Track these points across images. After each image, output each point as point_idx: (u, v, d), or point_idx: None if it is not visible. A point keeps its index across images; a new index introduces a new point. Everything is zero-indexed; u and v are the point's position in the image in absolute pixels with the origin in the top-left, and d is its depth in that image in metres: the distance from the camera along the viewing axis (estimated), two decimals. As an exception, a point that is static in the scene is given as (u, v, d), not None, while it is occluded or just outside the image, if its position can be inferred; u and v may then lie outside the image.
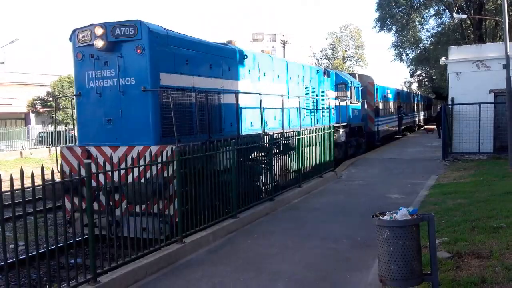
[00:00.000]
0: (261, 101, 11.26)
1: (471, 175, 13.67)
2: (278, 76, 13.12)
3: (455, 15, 25.71)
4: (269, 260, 6.89)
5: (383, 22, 35.75)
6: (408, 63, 43.66)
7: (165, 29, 8.76)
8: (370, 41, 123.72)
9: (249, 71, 11.52)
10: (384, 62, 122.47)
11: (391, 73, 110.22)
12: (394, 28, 36.78)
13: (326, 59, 67.78)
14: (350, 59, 69.45)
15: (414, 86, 60.71)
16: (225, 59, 10.54)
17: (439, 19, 37.82)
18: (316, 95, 16.41)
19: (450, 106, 18.50)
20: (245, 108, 11.13)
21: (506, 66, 13.93)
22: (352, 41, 69.02)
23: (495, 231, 7.01)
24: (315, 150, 13.48)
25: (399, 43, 38.90)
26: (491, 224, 7.38)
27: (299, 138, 12.19)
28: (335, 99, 18.30)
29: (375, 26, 36.50)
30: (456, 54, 19.26)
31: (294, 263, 6.74)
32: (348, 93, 19.29)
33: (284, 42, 49.69)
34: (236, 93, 10.46)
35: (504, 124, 15.95)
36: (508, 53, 13.92)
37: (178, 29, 9.55)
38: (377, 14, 35.73)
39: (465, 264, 5.78)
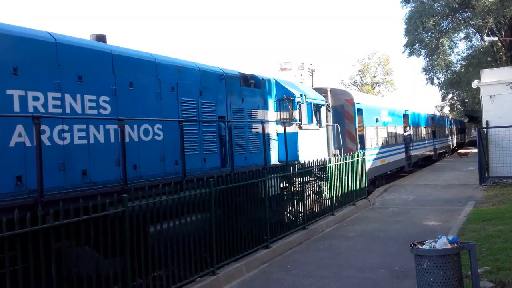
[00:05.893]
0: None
1: (511, 199, 13.21)
2: (116, 84, 7.32)
3: (485, 37, 25.38)
4: (304, 291, 6.78)
5: (411, 47, 35.54)
6: (440, 87, 43.12)
7: None
8: (401, 66, 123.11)
9: (14, 69, 5.87)
10: (416, 87, 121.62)
11: (424, 97, 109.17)
12: (423, 52, 36.51)
13: (355, 86, 67.74)
14: (379, 85, 69.28)
15: (446, 110, 59.84)
16: None
17: (469, 42, 37.37)
18: (223, 117, 9.80)
19: (485, 129, 18.10)
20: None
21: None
22: (381, 67, 68.97)
23: (540, 259, 6.73)
24: (347, 178, 13.34)
25: (430, 67, 38.53)
26: (535, 251, 7.09)
27: (330, 166, 12.11)
28: (278, 123, 11.68)
29: (404, 52, 36.36)
30: (489, 76, 18.91)
31: (330, 294, 6.61)
32: (295, 113, 12.04)
33: (312, 71, 49.93)
34: None
35: (543, 146, 15.48)
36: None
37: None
38: (405, 40, 35.60)
39: (510, 294, 5.55)
